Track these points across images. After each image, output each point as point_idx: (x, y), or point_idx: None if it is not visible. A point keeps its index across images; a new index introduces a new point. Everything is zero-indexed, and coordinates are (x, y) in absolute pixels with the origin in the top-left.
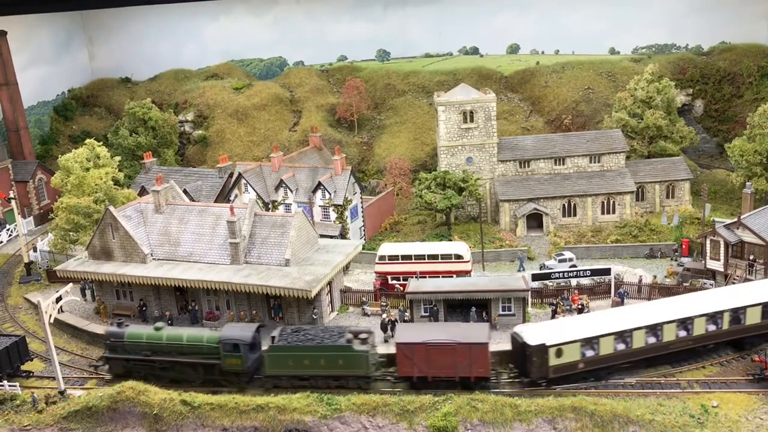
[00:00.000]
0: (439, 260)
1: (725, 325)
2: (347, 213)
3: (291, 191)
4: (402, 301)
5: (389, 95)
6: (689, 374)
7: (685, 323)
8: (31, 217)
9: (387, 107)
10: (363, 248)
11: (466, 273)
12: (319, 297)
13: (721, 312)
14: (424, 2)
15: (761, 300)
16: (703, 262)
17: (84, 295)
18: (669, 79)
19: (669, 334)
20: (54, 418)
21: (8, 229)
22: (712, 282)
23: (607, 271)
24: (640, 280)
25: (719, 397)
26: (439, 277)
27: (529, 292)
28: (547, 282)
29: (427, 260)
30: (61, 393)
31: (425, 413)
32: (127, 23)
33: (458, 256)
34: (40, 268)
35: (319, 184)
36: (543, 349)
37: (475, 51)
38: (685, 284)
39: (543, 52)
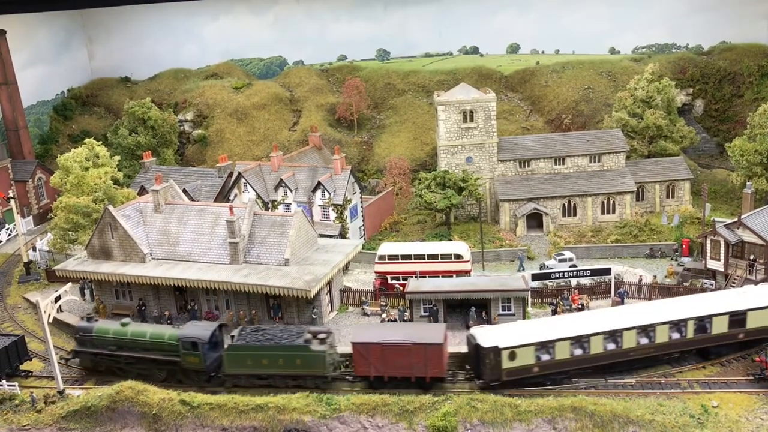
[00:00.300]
0: (439, 260)
1: (690, 334)
2: (347, 213)
3: (290, 191)
4: (402, 301)
5: (389, 95)
6: (689, 374)
7: (646, 330)
8: (31, 217)
9: (387, 107)
10: (362, 248)
11: (466, 273)
12: (319, 297)
13: (685, 320)
14: (424, 2)
15: (728, 309)
16: (704, 262)
17: (83, 294)
18: (669, 79)
19: (629, 341)
20: (53, 418)
21: (7, 229)
22: (713, 282)
23: (607, 271)
24: (640, 280)
25: (719, 397)
26: (438, 276)
27: (529, 292)
28: (547, 282)
29: (426, 260)
30: (60, 393)
31: (425, 413)
32: (127, 22)
33: (458, 256)
34: (39, 267)
35: (319, 183)
36: (496, 351)
37: (475, 50)
38: (685, 284)
39: (543, 52)
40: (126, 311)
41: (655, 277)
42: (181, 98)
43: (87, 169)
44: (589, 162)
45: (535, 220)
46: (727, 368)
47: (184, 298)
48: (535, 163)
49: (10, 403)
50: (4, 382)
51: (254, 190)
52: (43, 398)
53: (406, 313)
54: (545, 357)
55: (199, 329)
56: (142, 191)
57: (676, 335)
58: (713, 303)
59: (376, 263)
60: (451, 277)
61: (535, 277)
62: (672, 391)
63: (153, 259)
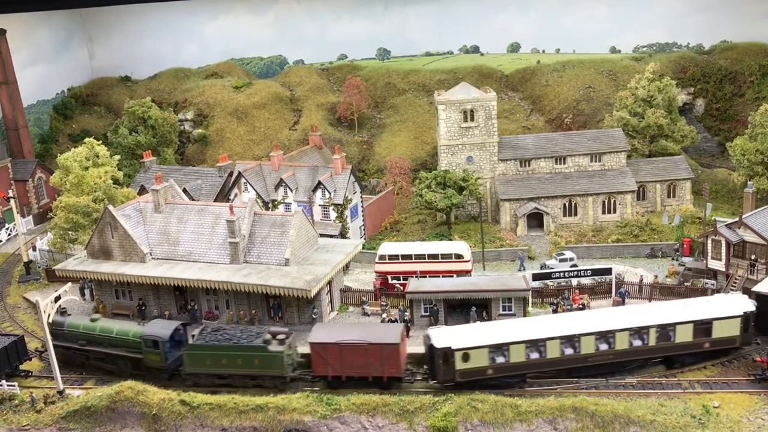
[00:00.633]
0: (440, 260)
1: (652, 342)
2: (347, 212)
3: (291, 190)
4: (402, 301)
5: (389, 94)
6: (691, 374)
7: (606, 337)
8: (30, 216)
9: (387, 106)
10: (363, 248)
11: (467, 272)
12: (319, 296)
13: (647, 327)
14: (424, 1)
15: (693, 318)
16: (705, 261)
17: (83, 294)
18: (670, 78)
19: (587, 347)
20: (53, 418)
21: (7, 228)
22: (714, 282)
23: (608, 271)
24: (641, 280)
25: (721, 398)
26: (439, 276)
27: (530, 291)
28: (547, 282)
29: (427, 260)
30: (60, 393)
31: (425, 413)
32: (127, 22)
33: (458, 256)
34: (39, 267)
35: (319, 183)
36: (449, 352)
37: (475, 50)
38: (686, 284)
39: (544, 51)
40: (126, 311)
41: (656, 277)
42: (182, 97)
43: (87, 168)
44: (590, 161)
45: (535, 220)
46: (729, 368)
47: (184, 298)
48: (536, 162)
49: (10, 403)
50: (3, 382)
51: (254, 189)
52: (43, 398)
53: (407, 313)
54: (500, 359)
55: (161, 328)
56: (142, 191)
57: (637, 342)
58: (679, 311)
59: (377, 263)
60: (452, 276)
61: (536, 277)
62: (673, 391)
63: (153, 258)
